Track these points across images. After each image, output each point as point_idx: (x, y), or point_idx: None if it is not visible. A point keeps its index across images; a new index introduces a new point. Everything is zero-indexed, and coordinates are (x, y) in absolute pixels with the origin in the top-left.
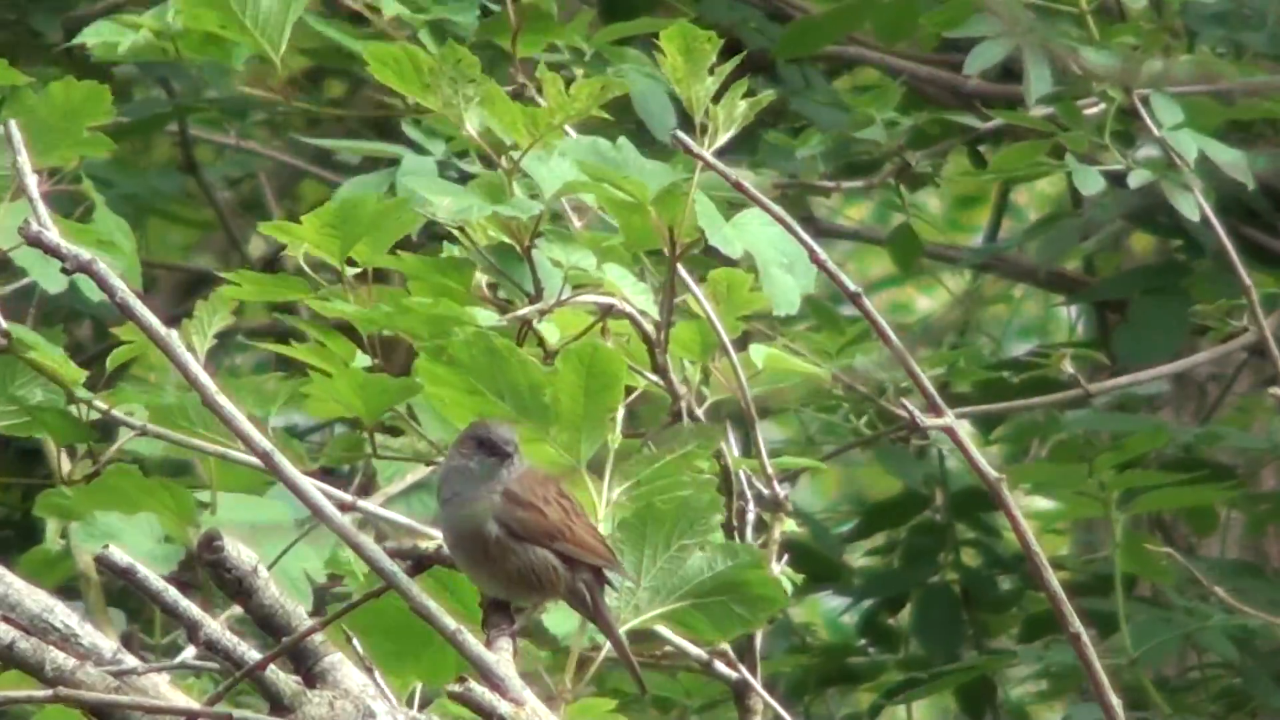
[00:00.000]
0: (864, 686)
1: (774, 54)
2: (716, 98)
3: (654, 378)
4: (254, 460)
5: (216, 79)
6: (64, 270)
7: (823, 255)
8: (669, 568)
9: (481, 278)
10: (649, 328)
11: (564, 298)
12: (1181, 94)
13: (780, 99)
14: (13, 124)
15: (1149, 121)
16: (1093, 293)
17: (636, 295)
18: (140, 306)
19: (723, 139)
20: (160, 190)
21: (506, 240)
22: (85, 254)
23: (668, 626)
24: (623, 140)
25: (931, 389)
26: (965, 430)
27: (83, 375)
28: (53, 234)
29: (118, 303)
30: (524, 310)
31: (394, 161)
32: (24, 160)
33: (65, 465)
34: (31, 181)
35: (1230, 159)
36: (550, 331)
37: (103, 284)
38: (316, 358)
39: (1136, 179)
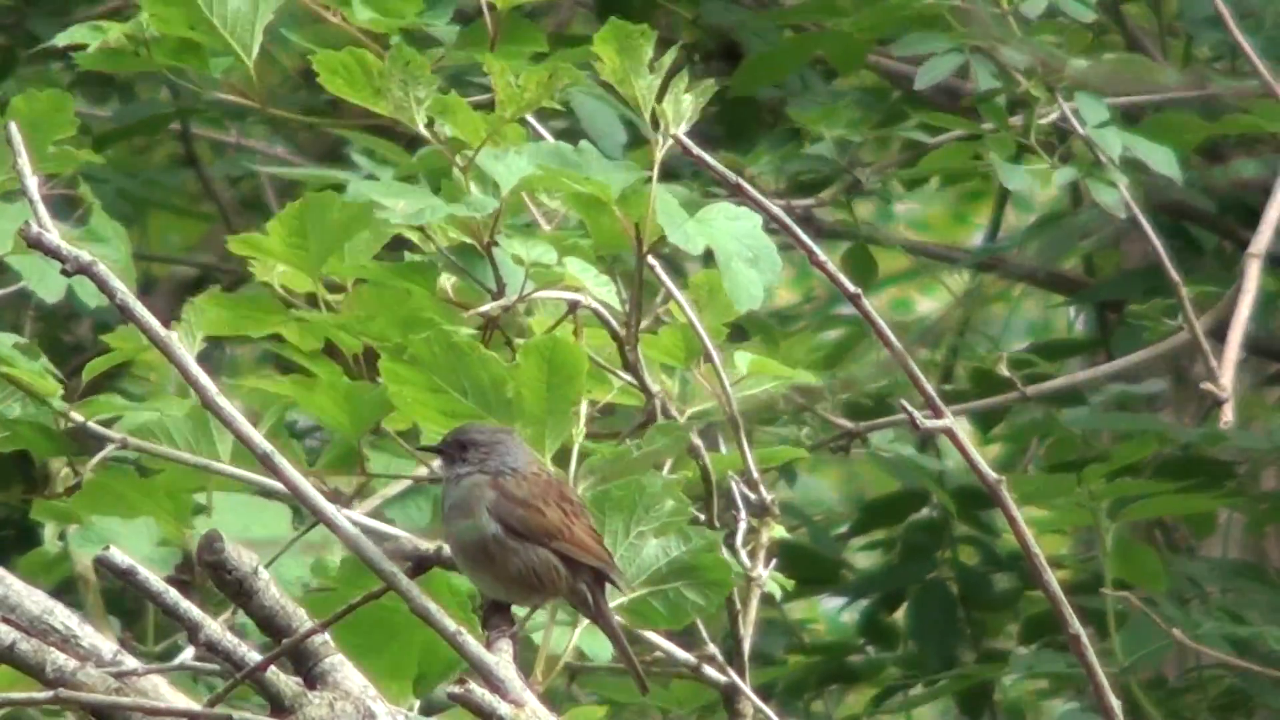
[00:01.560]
0: (863, 685)
1: (730, 90)
2: (662, 95)
3: (626, 376)
4: (234, 471)
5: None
6: (64, 272)
7: (822, 256)
8: (628, 555)
9: (447, 281)
10: (615, 324)
11: (526, 293)
12: (1165, 104)
13: (779, 99)
14: (13, 126)
15: (1073, 120)
16: (1092, 293)
17: (599, 289)
18: (140, 308)
19: (677, 132)
20: (161, 184)
21: (468, 240)
22: (86, 256)
23: (625, 618)
24: (585, 144)
25: (931, 390)
26: (964, 431)
27: (58, 389)
28: (53, 236)
29: (118, 304)
30: (486, 306)
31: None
32: (24, 162)
33: (60, 472)
34: (32, 184)
35: (1156, 156)
36: (517, 330)
37: (103, 286)
38: (301, 389)
39: (1062, 177)
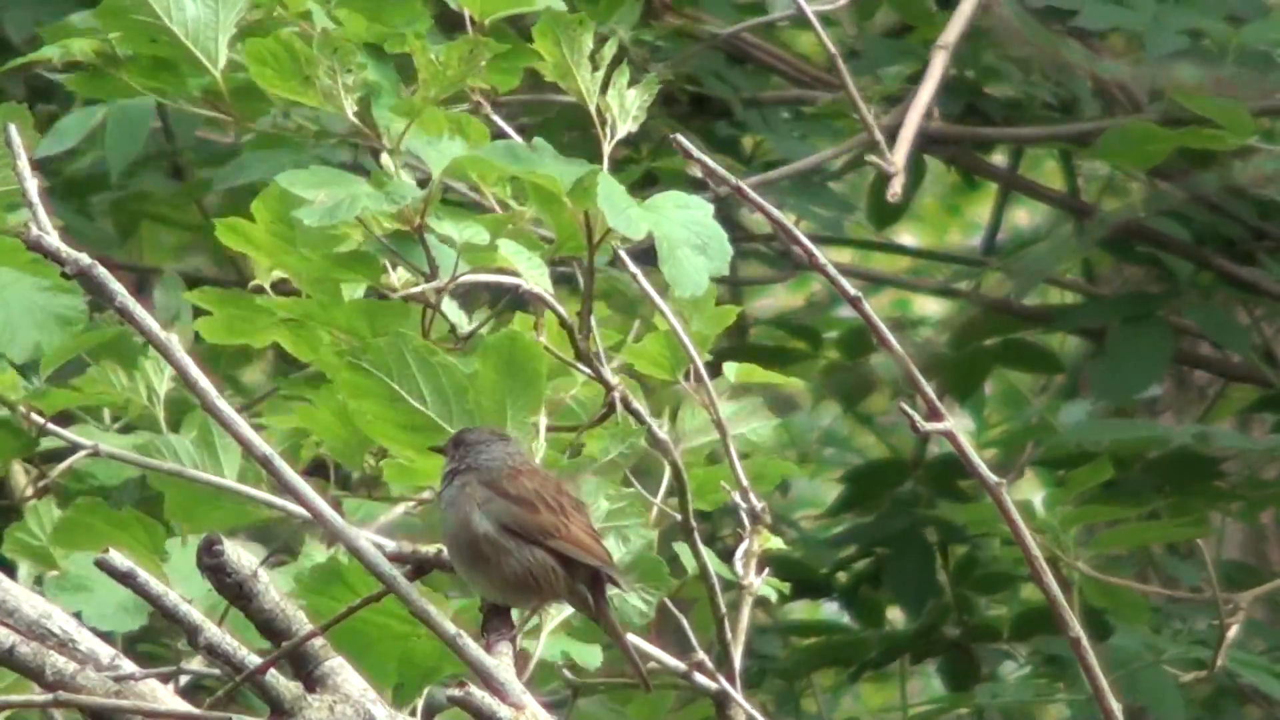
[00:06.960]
0: (852, 666)
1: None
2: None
3: (582, 368)
4: (220, 481)
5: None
6: (64, 275)
7: (822, 259)
8: None
9: (395, 273)
10: (562, 310)
11: (458, 274)
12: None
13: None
14: (13, 128)
15: None
16: (1070, 321)
17: (532, 272)
18: (140, 310)
19: (623, 130)
20: (152, 195)
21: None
22: (85, 258)
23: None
24: (539, 140)
25: (931, 393)
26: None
27: (19, 386)
28: (53, 239)
29: (117, 306)
30: (417, 288)
31: None
32: (24, 163)
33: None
34: (31, 185)
35: None
36: (454, 314)
37: (102, 289)
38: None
39: None
